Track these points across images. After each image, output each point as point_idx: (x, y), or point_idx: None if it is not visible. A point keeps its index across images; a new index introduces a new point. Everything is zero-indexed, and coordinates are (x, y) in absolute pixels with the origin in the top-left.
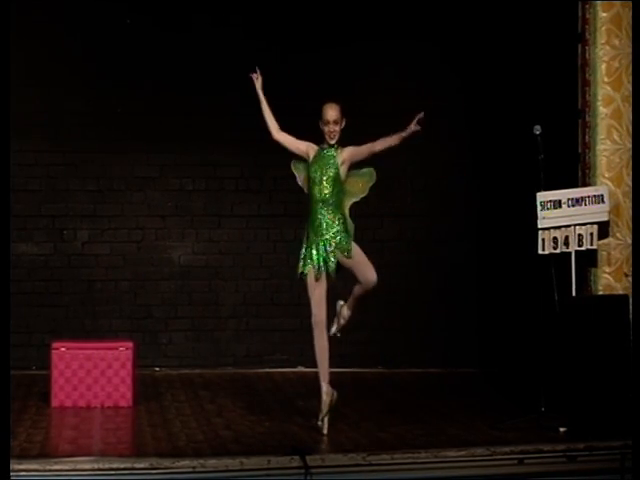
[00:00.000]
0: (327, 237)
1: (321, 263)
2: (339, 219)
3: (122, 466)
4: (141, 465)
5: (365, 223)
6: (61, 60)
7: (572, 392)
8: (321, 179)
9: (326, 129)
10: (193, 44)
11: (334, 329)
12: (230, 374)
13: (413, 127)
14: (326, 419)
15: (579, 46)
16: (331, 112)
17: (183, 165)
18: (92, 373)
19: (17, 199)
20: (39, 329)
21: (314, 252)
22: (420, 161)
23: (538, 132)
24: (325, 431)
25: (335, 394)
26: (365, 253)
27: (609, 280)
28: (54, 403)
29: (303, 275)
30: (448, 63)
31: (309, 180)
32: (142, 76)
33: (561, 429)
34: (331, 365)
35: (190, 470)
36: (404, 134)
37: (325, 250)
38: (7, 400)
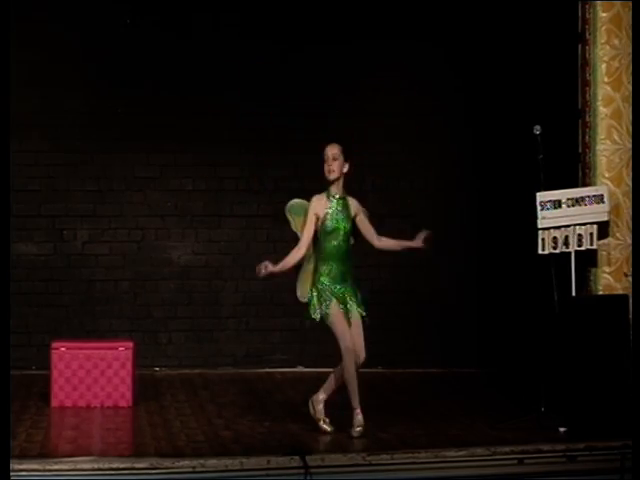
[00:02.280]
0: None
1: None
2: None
3: (122, 466)
4: (141, 465)
5: None
6: (61, 60)
7: (572, 392)
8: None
9: (325, 166)
10: (193, 44)
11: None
12: (230, 374)
13: (418, 244)
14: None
15: (579, 46)
16: (329, 149)
17: (183, 165)
18: (92, 373)
19: (17, 199)
20: (39, 329)
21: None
22: (420, 161)
23: (538, 132)
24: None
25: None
26: (365, 253)
27: (609, 280)
28: (54, 403)
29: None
30: (449, 63)
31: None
32: (142, 76)
33: (561, 429)
34: (331, 365)
35: (190, 470)
36: (407, 245)
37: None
38: (7, 400)
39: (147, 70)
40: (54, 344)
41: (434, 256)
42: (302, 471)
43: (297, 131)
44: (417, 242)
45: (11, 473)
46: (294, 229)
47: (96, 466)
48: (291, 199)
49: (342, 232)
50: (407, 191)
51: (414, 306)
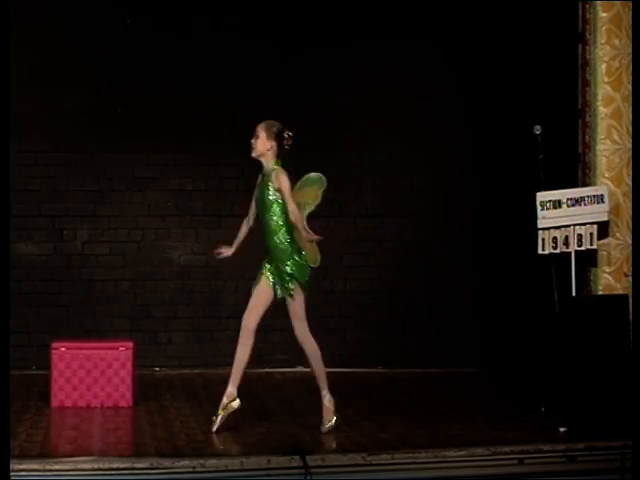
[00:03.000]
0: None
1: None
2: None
3: (122, 466)
4: (141, 465)
5: (365, 223)
6: (61, 60)
7: (572, 392)
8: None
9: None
10: (193, 44)
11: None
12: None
13: (311, 237)
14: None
15: (579, 46)
16: (256, 128)
17: (183, 165)
18: (92, 373)
19: (17, 199)
20: (39, 329)
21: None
22: (420, 161)
23: (538, 132)
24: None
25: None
26: (365, 253)
27: (609, 280)
28: (54, 403)
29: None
30: (448, 63)
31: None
32: (142, 76)
33: (561, 429)
34: (331, 365)
35: (190, 470)
36: (304, 231)
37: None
38: (7, 400)
39: (147, 70)
40: (54, 344)
41: (434, 255)
42: (302, 471)
43: (297, 131)
44: (312, 236)
45: (11, 473)
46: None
47: (96, 466)
48: None
49: (266, 207)
50: (407, 191)
51: (414, 306)
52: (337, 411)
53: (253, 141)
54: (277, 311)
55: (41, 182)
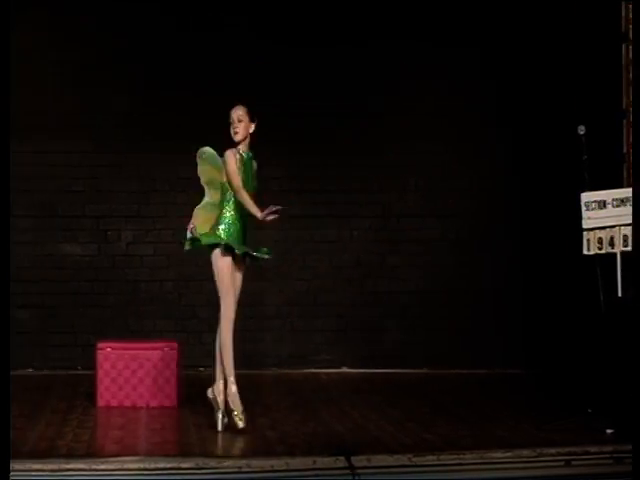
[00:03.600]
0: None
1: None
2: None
3: (168, 466)
4: (187, 465)
5: (408, 223)
6: (106, 61)
7: (619, 393)
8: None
9: (231, 128)
10: (232, 47)
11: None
12: (275, 375)
13: (264, 215)
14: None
15: (623, 46)
16: (234, 112)
17: None
18: (137, 373)
19: (62, 200)
20: (85, 329)
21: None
22: (464, 161)
23: (582, 132)
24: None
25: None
26: (408, 254)
27: None
28: (100, 403)
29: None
30: (491, 63)
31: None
32: (185, 77)
33: (608, 430)
34: (376, 365)
35: (236, 470)
36: (257, 214)
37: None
38: (7, 400)
39: (190, 71)
40: (100, 344)
41: (478, 256)
42: (348, 472)
43: (339, 132)
44: (265, 215)
45: (58, 472)
46: (199, 174)
47: (142, 466)
48: (334, 199)
49: (252, 189)
50: (450, 191)
51: (458, 307)
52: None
53: (236, 125)
54: (321, 312)
55: (85, 183)
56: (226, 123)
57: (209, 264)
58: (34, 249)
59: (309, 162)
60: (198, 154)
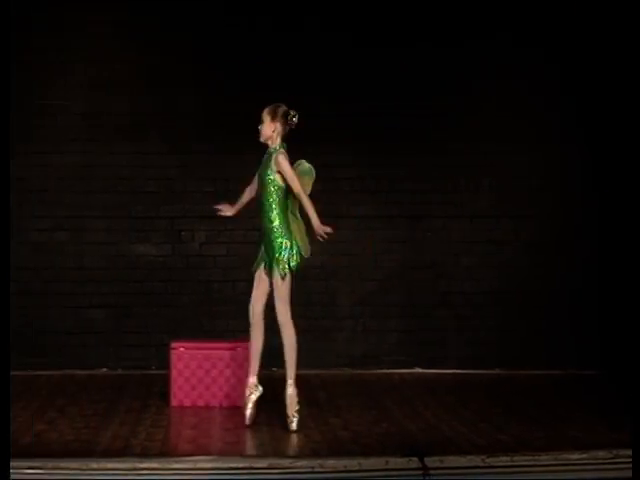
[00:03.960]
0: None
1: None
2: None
3: (241, 465)
4: (260, 465)
5: (482, 223)
6: (177, 62)
7: None
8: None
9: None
10: (307, 46)
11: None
12: (347, 375)
13: (321, 231)
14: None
15: None
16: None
17: None
18: (210, 373)
19: (136, 201)
20: (158, 329)
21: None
22: (537, 161)
23: None
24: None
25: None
26: (482, 254)
27: None
28: (173, 402)
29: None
30: (564, 62)
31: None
32: (257, 76)
33: None
34: (449, 366)
35: (309, 470)
36: (314, 223)
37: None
38: (7, 400)
39: (262, 70)
40: (173, 344)
41: (553, 256)
42: (420, 472)
43: (412, 132)
44: (321, 231)
45: (133, 471)
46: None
47: (215, 465)
48: (406, 200)
49: (263, 186)
50: (524, 191)
51: (533, 307)
52: (300, 406)
53: (260, 127)
54: (394, 312)
55: (159, 184)
56: (301, 122)
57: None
58: (108, 250)
59: (382, 162)
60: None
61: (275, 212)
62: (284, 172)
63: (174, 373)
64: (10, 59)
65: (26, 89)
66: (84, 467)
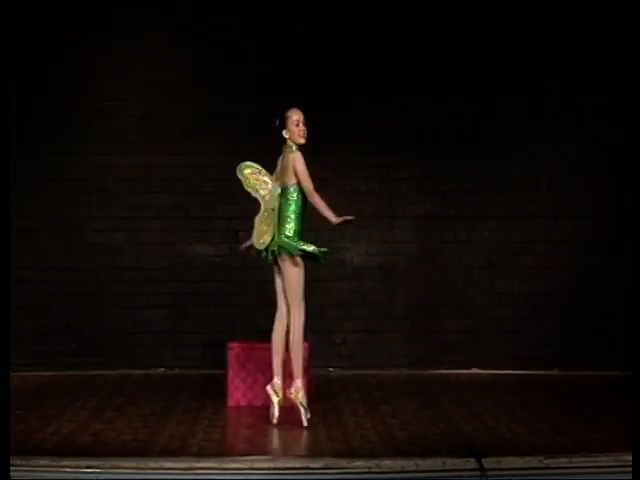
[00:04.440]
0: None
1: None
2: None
3: (298, 465)
4: (316, 465)
5: (541, 223)
6: (234, 62)
7: None
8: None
9: (299, 130)
10: (364, 45)
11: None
12: (404, 375)
13: (339, 220)
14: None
15: None
16: (301, 115)
17: (356, 166)
18: (267, 373)
19: (193, 201)
20: (215, 329)
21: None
22: (596, 161)
23: None
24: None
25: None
26: (541, 254)
27: None
28: (230, 402)
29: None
30: (620, 62)
31: None
32: (314, 78)
33: None
34: (507, 366)
35: (365, 470)
36: (332, 219)
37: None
38: (7, 400)
39: (319, 71)
40: (230, 344)
41: (611, 256)
42: (478, 473)
43: (470, 132)
44: (340, 220)
45: (190, 471)
46: (246, 188)
47: (272, 465)
48: (464, 200)
49: (280, 187)
50: (582, 191)
51: (591, 308)
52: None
53: (303, 128)
54: (450, 312)
55: (216, 184)
56: (359, 122)
57: (338, 265)
58: (165, 250)
59: (439, 162)
60: (238, 170)
61: (291, 208)
62: (298, 171)
63: (231, 373)
64: (10, 60)
65: (85, 90)
66: (142, 466)
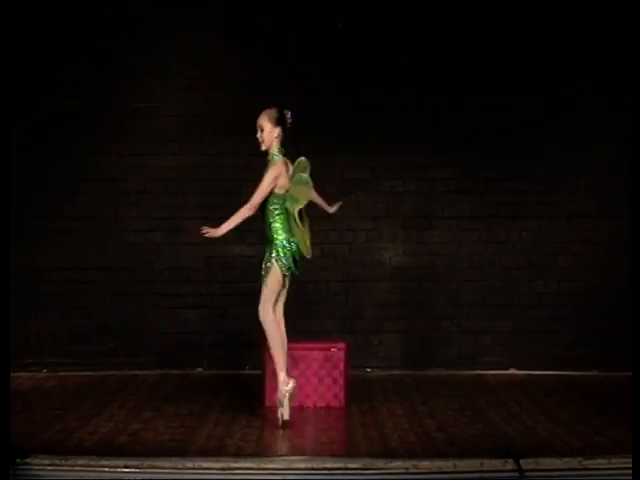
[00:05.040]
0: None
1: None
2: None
3: (335, 466)
4: (354, 465)
5: (579, 224)
6: (274, 63)
7: None
8: None
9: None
10: (401, 45)
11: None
12: (441, 376)
13: (333, 209)
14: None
15: None
16: (258, 120)
17: (393, 167)
18: (305, 373)
19: (232, 202)
20: (253, 329)
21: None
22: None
23: None
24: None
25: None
26: (579, 254)
27: None
28: (268, 403)
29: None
30: None
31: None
32: (351, 77)
33: None
34: (545, 367)
35: (403, 471)
36: (327, 207)
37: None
38: (7, 399)
39: (356, 71)
40: (267, 345)
41: None
42: (516, 474)
43: (508, 132)
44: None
45: (227, 471)
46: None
47: (310, 465)
48: (502, 200)
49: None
50: (620, 191)
51: (629, 308)
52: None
53: (259, 135)
54: (488, 313)
55: (254, 185)
56: (397, 122)
57: (376, 265)
58: (203, 250)
59: (477, 162)
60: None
61: (275, 218)
62: (263, 178)
63: (268, 373)
64: (9, 62)
65: (121, 92)
66: (179, 466)
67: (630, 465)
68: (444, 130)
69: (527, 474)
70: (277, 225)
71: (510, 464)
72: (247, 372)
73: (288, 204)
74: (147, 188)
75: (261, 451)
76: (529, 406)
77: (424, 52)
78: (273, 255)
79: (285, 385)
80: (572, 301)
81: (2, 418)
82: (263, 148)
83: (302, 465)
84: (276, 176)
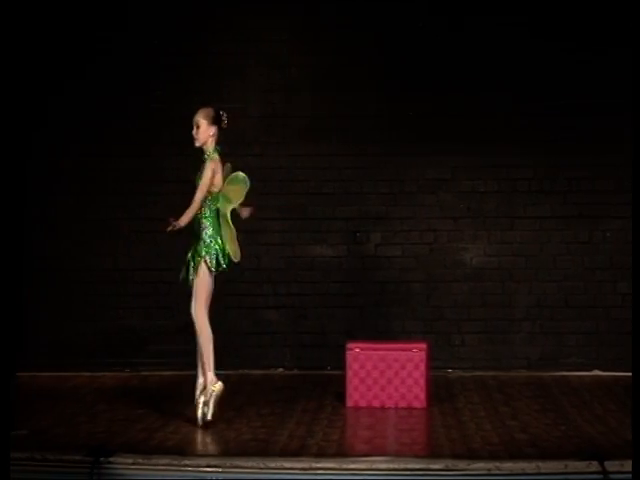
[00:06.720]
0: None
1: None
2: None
3: (417, 467)
4: (436, 466)
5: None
6: (354, 64)
7: None
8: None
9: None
10: (481, 45)
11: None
12: (524, 377)
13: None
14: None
15: None
16: (195, 116)
17: (475, 167)
18: (386, 374)
19: (313, 202)
20: (334, 330)
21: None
22: None
23: None
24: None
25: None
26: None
27: None
28: (349, 403)
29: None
30: None
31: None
32: (432, 77)
33: None
34: (630, 369)
35: (485, 472)
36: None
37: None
38: (7, 399)
39: (437, 71)
40: (349, 345)
41: None
42: (601, 477)
43: (589, 131)
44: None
45: (309, 471)
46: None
47: (392, 466)
48: (585, 200)
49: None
50: None
51: None
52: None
53: (194, 132)
54: (572, 313)
55: (335, 185)
56: (478, 122)
57: (457, 266)
58: (285, 251)
59: (559, 162)
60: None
61: (205, 216)
62: (201, 176)
63: (350, 374)
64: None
65: (203, 92)
66: (261, 466)
67: None
68: (525, 130)
69: (612, 476)
70: (206, 223)
71: (594, 466)
72: (328, 372)
73: (220, 204)
74: None
75: (343, 451)
76: (613, 408)
77: (506, 52)
78: (203, 254)
79: (213, 385)
80: None
81: (2, 418)
82: (197, 145)
83: (384, 466)
84: (213, 172)
